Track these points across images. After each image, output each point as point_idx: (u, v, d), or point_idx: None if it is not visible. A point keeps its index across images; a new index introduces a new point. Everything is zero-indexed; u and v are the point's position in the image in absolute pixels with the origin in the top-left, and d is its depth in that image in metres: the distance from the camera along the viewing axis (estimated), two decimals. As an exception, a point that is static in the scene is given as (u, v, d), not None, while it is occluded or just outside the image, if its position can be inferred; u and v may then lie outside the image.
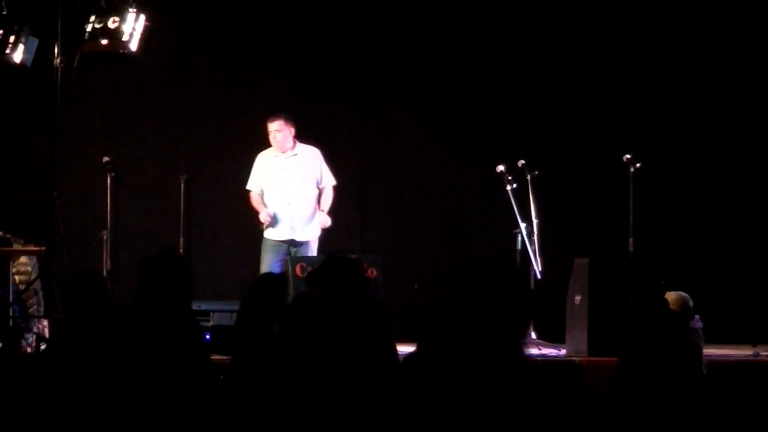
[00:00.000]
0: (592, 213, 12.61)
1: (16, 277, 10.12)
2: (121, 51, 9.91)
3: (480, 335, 5.43)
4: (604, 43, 12.63)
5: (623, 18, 12.62)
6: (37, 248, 9.97)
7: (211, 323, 9.72)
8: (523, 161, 10.94)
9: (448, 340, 5.40)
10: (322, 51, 12.70)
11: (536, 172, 10.88)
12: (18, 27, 9.92)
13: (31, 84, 11.69)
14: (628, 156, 10.76)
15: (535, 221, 10.73)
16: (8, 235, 10.15)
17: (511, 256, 10.47)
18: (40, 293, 10.13)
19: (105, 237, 10.83)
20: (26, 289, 9.97)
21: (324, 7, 12.68)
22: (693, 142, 12.59)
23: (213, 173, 12.52)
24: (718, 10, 12.57)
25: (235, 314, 9.68)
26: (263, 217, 10.96)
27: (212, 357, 6.58)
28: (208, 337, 9.39)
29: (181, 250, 10.85)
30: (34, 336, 9.49)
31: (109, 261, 10.76)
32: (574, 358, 9.16)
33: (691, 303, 8.29)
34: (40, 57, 10.06)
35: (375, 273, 10.00)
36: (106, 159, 10.98)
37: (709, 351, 9.01)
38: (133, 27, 9.83)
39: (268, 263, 10.87)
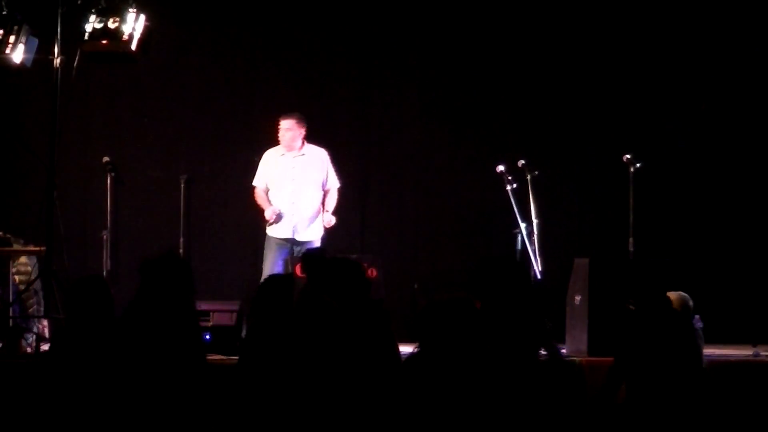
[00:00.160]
0: (592, 213, 12.60)
1: (16, 277, 10.12)
2: (121, 51, 9.92)
3: (481, 335, 5.43)
4: (604, 43, 12.63)
5: (623, 18, 12.61)
6: (37, 248, 9.96)
7: (211, 323, 9.71)
8: (523, 161, 10.94)
9: (449, 341, 5.40)
10: (322, 51, 12.70)
11: (536, 172, 10.88)
12: (18, 27, 9.91)
13: (31, 84, 11.69)
14: (628, 156, 10.76)
15: (535, 221, 10.73)
16: (8, 235, 10.16)
17: (516, 257, 10.49)
18: (40, 293, 10.13)
19: (105, 237, 10.81)
20: (26, 289, 9.97)
21: (324, 8, 12.68)
22: (693, 142, 12.58)
23: (213, 173, 12.52)
24: (717, 10, 12.56)
25: (235, 314, 9.76)
26: (268, 215, 10.95)
27: (212, 357, 6.58)
28: (208, 337, 9.40)
29: (181, 250, 10.84)
30: (34, 336, 9.49)
31: (109, 261, 10.74)
32: (574, 358, 9.16)
33: (691, 303, 8.29)
34: (40, 57, 10.05)
35: (375, 273, 10.01)
36: (106, 159, 10.96)
37: (709, 351, 9.00)
38: (133, 27, 9.83)
39: (271, 261, 10.87)
